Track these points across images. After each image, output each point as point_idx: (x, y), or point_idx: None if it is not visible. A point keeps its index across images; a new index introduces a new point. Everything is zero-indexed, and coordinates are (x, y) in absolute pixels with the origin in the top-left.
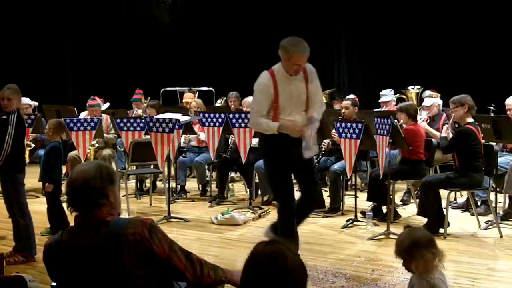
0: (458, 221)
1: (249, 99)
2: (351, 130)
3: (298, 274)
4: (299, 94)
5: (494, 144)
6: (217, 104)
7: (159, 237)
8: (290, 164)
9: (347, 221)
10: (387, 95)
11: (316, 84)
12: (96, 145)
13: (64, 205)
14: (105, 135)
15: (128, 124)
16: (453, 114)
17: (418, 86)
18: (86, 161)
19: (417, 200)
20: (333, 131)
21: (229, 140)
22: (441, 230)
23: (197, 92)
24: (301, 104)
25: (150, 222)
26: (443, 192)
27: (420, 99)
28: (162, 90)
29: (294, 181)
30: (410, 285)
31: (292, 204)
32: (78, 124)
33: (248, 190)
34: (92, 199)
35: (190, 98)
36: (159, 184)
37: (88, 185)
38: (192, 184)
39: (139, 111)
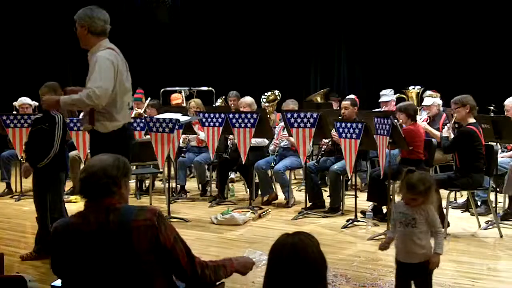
0: (458, 221)
1: (246, 99)
2: (351, 130)
3: (319, 263)
4: None
5: (494, 144)
6: (216, 104)
7: (166, 226)
8: None
9: (347, 221)
10: (387, 95)
11: None
12: None
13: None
14: None
15: None
16: (455, 114)
17: (419, 86)
18: (87, 161)
19: None
20: (333, 131)
21: (228, 141)
22: None
23: (195, 92)
24: None
25: (158, 211)
26: (443, 192)
27: (420, 99)
28: (162, 90)
29: None
30: (397, 211)
31: None
32: (78, 124)
33: (248, 190)
34: (107, 185)
35: (179, 98)
36: (159, 184)
37: (105, 172)
38: (192, 184)
39: (140, 110)
